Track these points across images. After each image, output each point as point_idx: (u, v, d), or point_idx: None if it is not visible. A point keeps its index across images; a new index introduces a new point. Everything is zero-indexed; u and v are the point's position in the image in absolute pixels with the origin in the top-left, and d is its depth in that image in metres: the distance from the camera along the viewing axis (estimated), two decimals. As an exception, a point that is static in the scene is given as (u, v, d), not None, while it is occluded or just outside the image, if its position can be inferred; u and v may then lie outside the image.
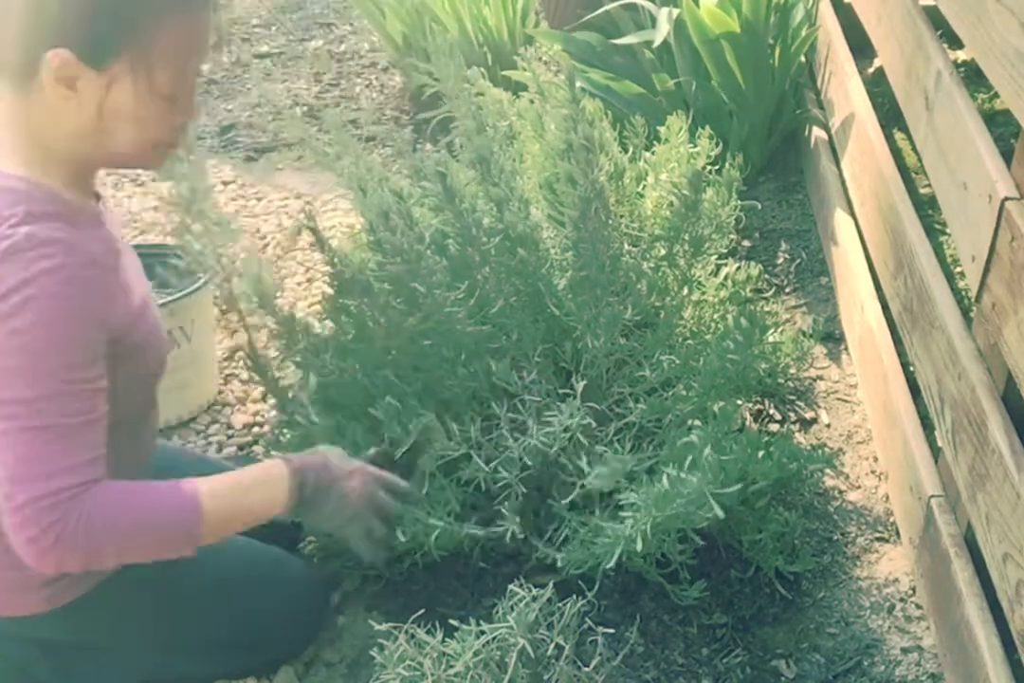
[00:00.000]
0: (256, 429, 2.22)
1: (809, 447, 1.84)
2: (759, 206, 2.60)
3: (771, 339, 2.01)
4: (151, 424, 1.51)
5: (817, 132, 2.70)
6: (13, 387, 1.17)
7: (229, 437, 2.21)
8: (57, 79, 1.19)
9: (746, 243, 2.58)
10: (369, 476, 1.46)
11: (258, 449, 2.15)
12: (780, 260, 2.54)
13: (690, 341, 1.92)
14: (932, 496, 1.65)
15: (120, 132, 1.25)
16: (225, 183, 3.24)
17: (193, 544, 1.31)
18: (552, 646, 1.34)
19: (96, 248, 1.26)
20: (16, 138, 1.26)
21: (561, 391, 1.72)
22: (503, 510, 1.63)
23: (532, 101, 2.17)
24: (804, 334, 2.09)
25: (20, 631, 1.50)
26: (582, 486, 1.62)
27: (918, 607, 1.72)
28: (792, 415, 2.11)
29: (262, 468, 1.38)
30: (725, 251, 2.13)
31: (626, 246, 1.90)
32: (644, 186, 2.09)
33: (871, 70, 2.84)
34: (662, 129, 2.11)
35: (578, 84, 2.09)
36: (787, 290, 2.46)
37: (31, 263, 1.17)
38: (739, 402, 1.89)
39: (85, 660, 1.57)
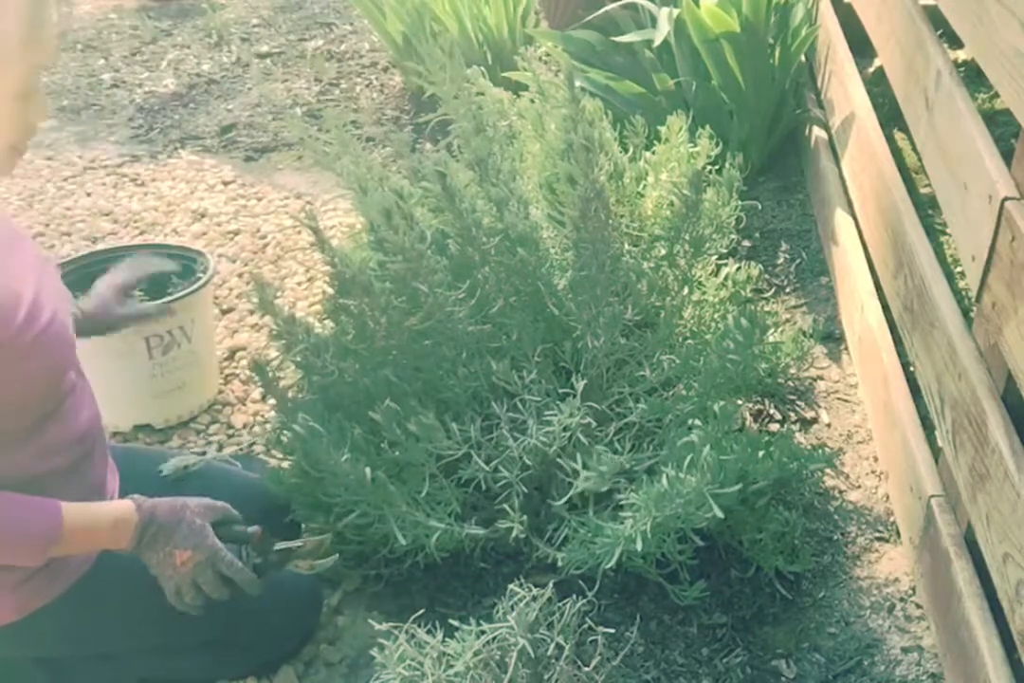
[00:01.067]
0: (256, 429, 2.22)
1: (809, 447, 1.84)
2: (759, 206, 2.60)
3: (771, 339, 2.01)
4: (71, 409, 1.44)
5: (817, 132, 2.70)
6: None
7: (229, 437, 2.21)
8: None
9: (746, 243, 2.58)
10: (203, 556, 1.40)
11: (258, 449, 2.15)
12: (780, 260, 2.54)
13: (690, 341, 1.92)
14: (932, 496, 1.65)
15: None
16: (225, 183, 3.24)
17: (42, 560, 1.34)
18: (552, 646, 1.34)
19: None
20: None
21: (561, 391, 1.72)
22: (506, 508, 1.63)
23: (532, 101, 2.17)
24: (804, 334, 2.09)
25: (6, 649, 1.48)
26: (580, 486, 1.62)
27: (918, 607, 1.72)
28: (792, 415, 2.11)
29: (118, 510, 1.39)
30: (725, 251, 2.13)
31: (626, 246, 1.89)
32: (644, 186, 2.09)
33: (871, 70, 2.85)
34: (662, 129, 2.11)
35: (578, 84, 2.09)
36: (787, 290, 2.46)
37: None
38: (739, 402, 1.89)
39: (80, 665, 1.56)
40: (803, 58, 2.83)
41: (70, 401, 1.43)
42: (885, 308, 2.04)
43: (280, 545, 1.48)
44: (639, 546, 1.48)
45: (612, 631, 1.44)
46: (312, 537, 1.53)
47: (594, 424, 1.70)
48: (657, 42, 2.57)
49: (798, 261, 2.53)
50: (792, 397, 2.15)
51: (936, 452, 1.73)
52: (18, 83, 1.21)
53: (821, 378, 2.21)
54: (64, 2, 1.22)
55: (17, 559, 1.35)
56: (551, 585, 1.38)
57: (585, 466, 1.62)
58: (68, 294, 1.51)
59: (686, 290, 1.94)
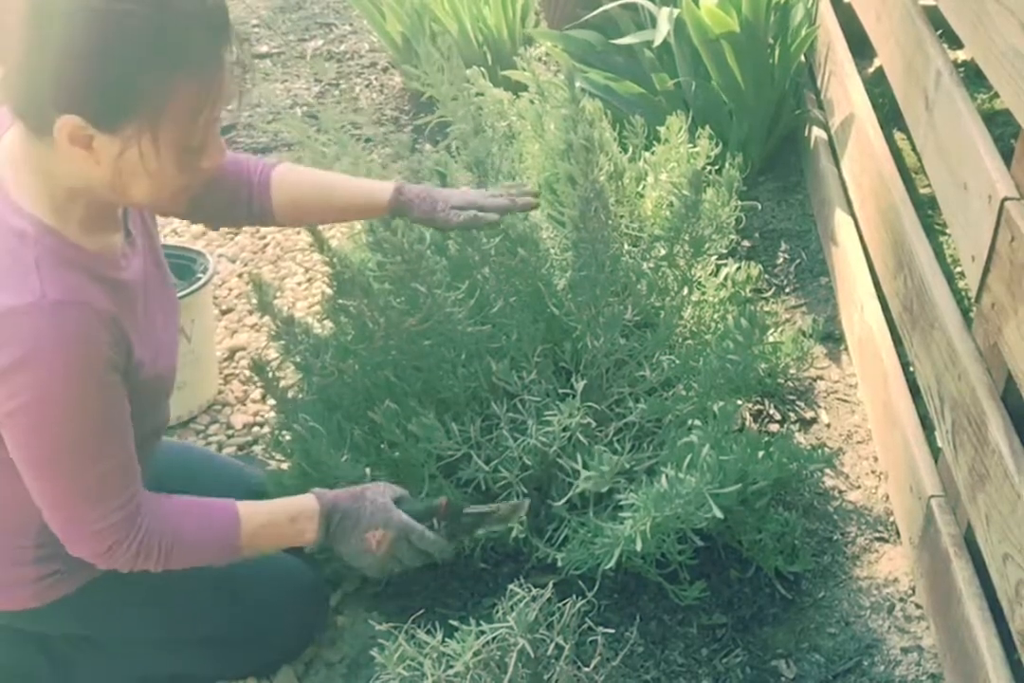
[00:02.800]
0: (256, 429, 2.22)
1: (809, 447, 1.83)
2: (759, 206, 2.60)
3: (771, 339, 2.01)
4: (161, 435, 1.56)
5: (817, 132, 2.70)
6: (55, 447, 1.24)
7: (229, 437, 2.21)
8: (71, 141, 1.16)
9: (746, 243, 2.58)
10: (395, 532, 1.44)
11: (258, 449, 2.15)
12: (780, 260, 2.54)
13: (690, 341, 1.92)
14: (932, 496, 1.65)
15: (139, 185, 1.23)
16: (225, 183, 3.23)
17: (227, 562, 1.43)
18: (552, 646, 1.34)
19: (100, 300, 1.23)
20: (33, 176, 1.23)
21: (561, 391, 1.72)
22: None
23: (532, 101, 2.17)
24: (804, 334, 2.09)
25: (15, 623, 1.51)
26: (581, 486, 1.62)
27: (918, 607, 1.72)
28: (792, 415, 2.11)
29: (296, 504, 1.45)
30: (725, 251, 2.13)
31: (626, 246, 1.89)
32: (644, 186, 2.09)
33: (871, 70, 2.84)
34: (662, 129, 2.11)
35: (578, 84, 2.09)
36: (787, 290, 2.46)
37: (34, 332, 1.17)
38: (739, 402, 1.89)
39: (84, 658, 1.58)
40: (803, 58, 2.83)
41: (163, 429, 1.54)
42: (885, 308, 2.04)
43: (471, 509, 1.51)
44: (639, 546, 1.48)
45: (612, 631, 1.44)
46: (504, 502, 1.55)
47: (594, 424, 1.70)
48: (657, 42, 2.57)
49: (798, 261, 2.53)
50: (792, 397, 2.15)
51: (936, 452, 1.73)
52: (187, 138, 1.22)
53: (821, 378, 2.21)
54: (242, 42, 1.23)
55: (204, 563, 1.41)
56: (551, 585, 1.38)
57: (585, 466, 1.62)
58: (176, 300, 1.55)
59: (686, 290, 1.94)
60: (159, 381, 1.41)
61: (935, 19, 1.87)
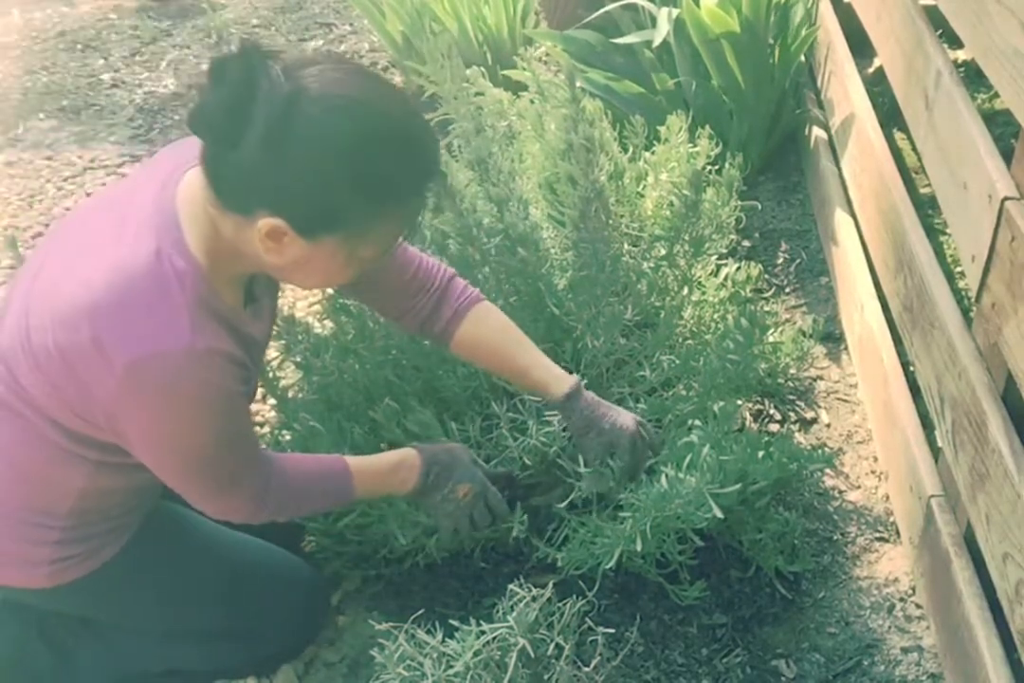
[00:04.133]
0: (256, 429, 2.22)
1: (809, 447, 1.84)
2: (759, 206, 2.60)
3: (771, 339, 2.01)
4: None
5: (817, 132, 2.70)
6: (193, 467, 1.33)
7: (229, 437, 2.21)
8: (266, 235, 1.19)
9: (746, 243, 2.58)
10: (479, 487, 1.57)
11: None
12: (780, 260, 2.54)
13: (690, 341, 1.92)
14: (932, 496, 1.65)
15: (310, 277, 1.29)
16: (225, 183, 3.23)
17: (342, 507, 1.62)
18: (552, 646, 1.34)
19: (234, 348, 1.28)
20: (207, 226, 1.24)
21: (561, 391, 1.71)
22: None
23: (532, 101, 2.17)
24: (804, 334, 2.09)
25: (23, 599, 1.52)
26: (578, 489, 1.63)
27: (918, 607, 1.72)
28: (792, 415, 2.11)
29: (399, 455, 1.55)
30: (725, 251, 2.13)
31: (626, 246, 1.90)
32: (644, 186, 2.09)
33: (871, 70, 2.84)
34: (662, 129, 2.11)
35: (578, 84, 2.09)
36: (787, 290, 2.46)
37: (184, 372, 1.22)
38: (739, 402, 1.89)
39: (86, 650, 1.59)
40: (803, 58, 2.83)
41: None
42: (885, 308, 2.04)
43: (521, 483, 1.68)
44: (639, 546, 1.48)
45: (612, 631, 1.44)
46: (499, 469, 1.67)
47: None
48: (657, 42, 2.57)
49: (798, 261, 2.53)
50: (792, 397, 2.15)
51: (936, 452, 1.73)
52: (374, 255, 1.28)
53: (821, 378, 2.20)
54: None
55: (321, 511, 1.62)
56: (551, 585, 1.38)
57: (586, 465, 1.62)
58: None
59: (686, 290, 1.94)
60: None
61: (935, 19, 1.87)
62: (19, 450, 1.34)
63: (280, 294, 1.54)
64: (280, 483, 1.43)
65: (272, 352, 1.76)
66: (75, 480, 1.35)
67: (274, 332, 1.73)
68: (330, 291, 1.82)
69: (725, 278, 2.15)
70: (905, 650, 1.66)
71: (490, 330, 1.60)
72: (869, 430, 2.07)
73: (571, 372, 1.76)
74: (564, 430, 1.65)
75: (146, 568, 1.51)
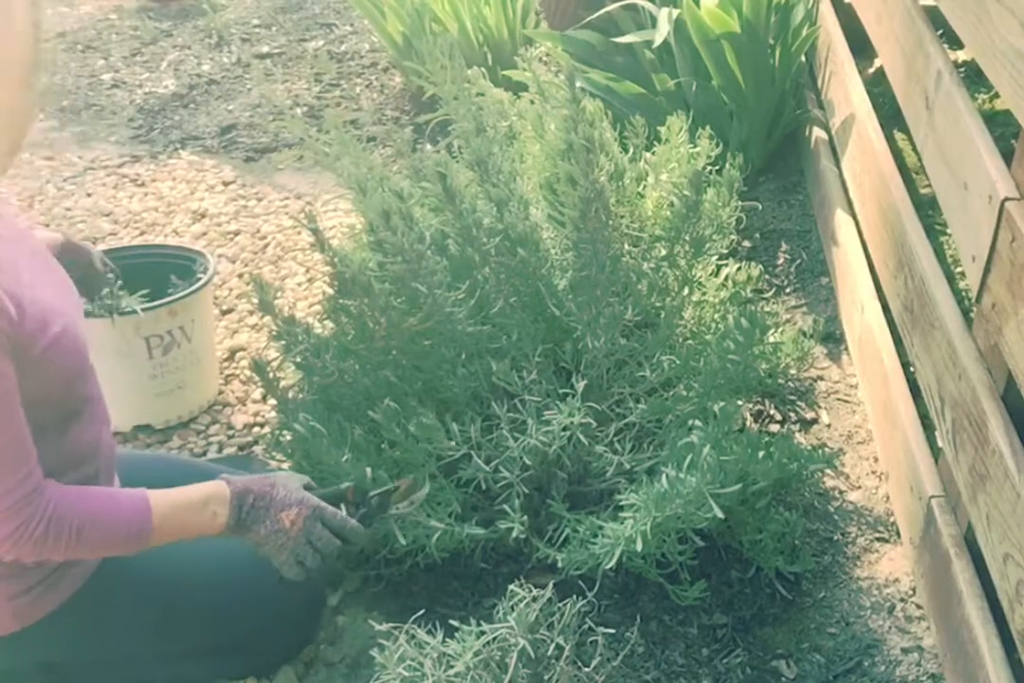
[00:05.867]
0: (256, 429, 2.22)
1: (809, 447, 1.83)
2: (759, 206, 2.60)
3: (771, 339, 2.01)
4: (89, 418, 1.45)
5: (817, 132, 2.70)
6: None
7: (229, 437, 2.21)
8: None
9: (746, 243, 2.58)
10: (309, 510, 1.44)
11: (258, 449, 2.15)
12: (780, 260, 2.54)
13: (690, 341, 1.92)
14: (932, 496, 1.65)
15: None
16: (226, 183, 3.24)
17: (137, 551, 1.37)
18: (552, 646, 1.34)
19: None
20: None
21: (561, 391, 1.72)
22: (506, 509, 1.63)
23: (532, 101, 2.17)
24: (804, 334, 2.09)
25: (5, 657, 1.47)
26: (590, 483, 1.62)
27: (918, 607, 1.72)
28: (792, 415, 2.11)
29: (207, 488, 1.42)
30: (725, 251, 2.12)
31: (626, 246, 1.89)
32: (644, 186, 2.09)
33: (871, 70, 2.84)
34: (662, 129, 2.11)
35: (578, 84, 2.09)
36: (787, 290, 2.46)
37: None
38: (739, 402, 1.89)
39: (83, 668, 1.56)
40: (803, 58, 2.83)
41: (88, 411, 1.43)
42: (885, 308, 2.04)
43: (375, 491, 1.53)
44: (639, 546, 1.48)
45: (612, 631, 1.44)
46: (402, 479, 1.58)
47: (594, 424, 1.70)
48: (657, 42, 2.57)
49: (798, 261, 2.53)
50: (792, 397, 2.15)
51: (936, 452, 1.73)
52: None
53: (821, 378, 2.21)
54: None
55: (112, 552, 1.38)
56: (551, 585, 1.38)
57: (586, 467, 1.62)
58: (78, 296, 1.49)
59: (686, 290, 1.94)
60: (61, 355, 1.31)
61: (935, 19, 1.87)
62: None
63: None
64: (53, 501, 1.28)
65: (272, 352, 1.76)
66: None
67: (274, 333, 1.73)
68: (330, 291, 1.82)
69: (725, 278, 2.15)
70: (905, 650, 1.66)
71: None
72: (869, 430, 2.07)
73: (571, 372, 1.76)
74: (564, 430, 1.65)
75: (122, 593, 1.45)
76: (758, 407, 2.11)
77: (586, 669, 1.38)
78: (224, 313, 2.59)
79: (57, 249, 1.68)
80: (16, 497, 1.25)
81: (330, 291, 1.76)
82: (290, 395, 1.79)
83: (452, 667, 1.29)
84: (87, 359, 1.40)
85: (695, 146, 2.06)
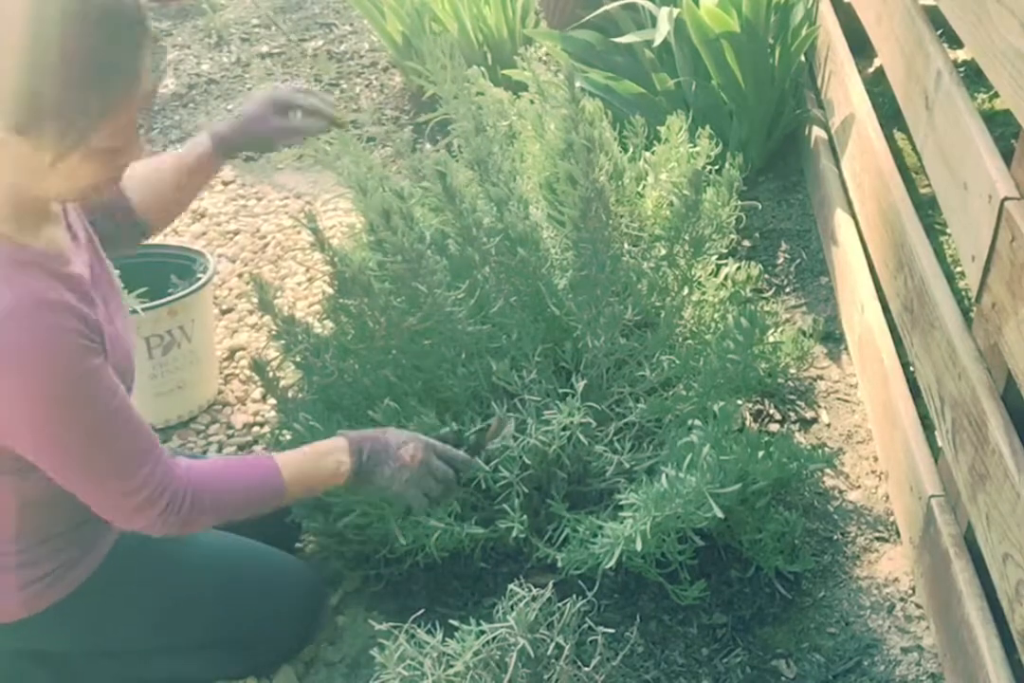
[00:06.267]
0: (256, 429, 2.22)
1: (809, 447, 1.84)
2: (759, 206, 2.60)
3: (771, 339, 2.01)
4: None
5: (817, 132, 2.70)
6: (64, 442, 1.26)
7: (229, 437, 2.21)
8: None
9: (746, 243, 2.58)
10: (422, 443, 1.53)
11: (258, 449, 2.15)
12: (780, 260, 2.54)
13: (690, 341, 1.92)
14: (932, 496, 1.65)
15: (58, 184, 1.22)
16: (225, 183, 3.24)
17: (278, 507, 1.49)
18: (552, 646, 1.34)
19: (61, 293, 1.23)
20: None
21: (561, 391, 1.72)
22: (506, 508, 1.63)
23: (532, 101, 2.17)
24: (804, 334, 2.09)
25: (6, 643, 1.49)
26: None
27: (918, 607, 1.72)
28: (792, 415, 2.11)
29: (325, 442, 1.51)
30: (725, 251, 2.12)
31: (626, 246, 1.89)
32: (644, 186, 2.09)
33: (871, 70, 2.84)
34: (662, 129, 2.11)
35: (578, 84, 2.09)
36: (787, 290, 2.46)
37: None
38: (739, 402, 1.89)
39: (82, 662, 1.57)
40: (803, 58, 2.83)
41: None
42: (885, 308, 2.04)
43: (470, 432, 1.66)
44: (639, 546, 1.48)
45: (612, 631, 1.44)
46: (494, 418, 1.66)
47: (594, 424, 1.70)
48: (657, 42, 2.57)
49: (798, 261, 2.53)
50: (792, 397, 2.15)
51: (936, 452, 1.73)
52: (109, 141, 1.21)
53: (821, 378, 2.21)
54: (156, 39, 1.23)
55: (255, 513, 1.46)
56: (551, 585, 1.38)
57: (586, 466, 1.62)
58: (124, 298, 1.56)
59: (686, 290, 1.94)
60: (120, 378, 1.36)
61: (935, 19, 1.87)
62: None
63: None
64: (190, 478, 1.35)
65: (272, 352, 1.76)
66: (7, 497, 1.33)
67: (273, 332, 1.73)
68: (330, 290, 1.82)
69: (725, 278, 2.15)
70: (905, 650, 1.66)
71: (142, 173, 1.57)
72: (869, 430, 2.07)
73: (571, 372, 1.76)
74: (564, 430, 1.65)
75: (127, 585, 1.47)
76: (758, 407, 2.11)
77: (586, 669, 1.38)
78: (224, 313, 2.59)
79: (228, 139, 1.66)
80: (154, 484, 1.31)
81: (330, 291, 1.76)
82: (290, 395, 1.79)
83: (452, 667, 1.29)
84: (134, 379, 1.45)
85: (695, 146, 2.06)
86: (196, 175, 1.66)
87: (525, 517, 1.64)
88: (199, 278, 2.16)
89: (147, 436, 1.34)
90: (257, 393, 2.30)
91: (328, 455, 1.48)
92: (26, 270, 1.22)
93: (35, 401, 1.21)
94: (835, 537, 1.86)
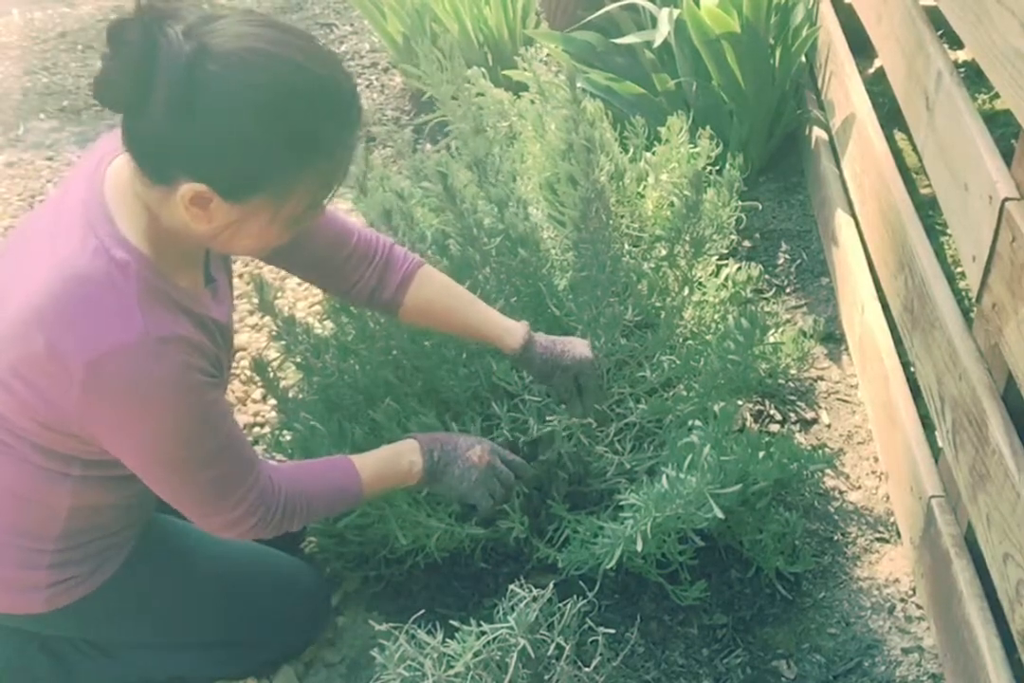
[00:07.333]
0: (256, 429, 2.22)
1: (809, 447, 1.84)
2: (759, 207, 2.60)
3: (772, 339, 2.01)
4: None
5: (817, 132, 2.70)
6: (178, 466, 1.29)
7: (229, 437, 2.21)
8: (190, 202, 1.15)
9: (747, 244, 2.58)
10: (488, 446, 1.57)
11: (258, 449, 2.14)
12: (781, 260, 2.54)
13: (691, 341, 1.92)
14: (932, 496, 1.65)
15: (242, 242, 1.25)
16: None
17: (358, 506, 1.57)
18: (553, 646, 1.34)
19: (191, 331, 1.24)
20: (138, 210, 1.22)
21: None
22: (506, 508, 1.63)
23: (533, 101, 2.17)
24: (804, 334, 2.09)
25: (20, 626, 1.51)
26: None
27: (918, 607, 1.72)
28: (793, 415, 2.11)
29: (398, 445, 1.55)
30: (726, 251, 2.13)
31: (627, 246, 1.90)
32: (645, 186, 2.09)
33: (871, 70, 2.84)
34: (662, 129, 2.11)
35: (578, 84, 2.09)
36: (788, 290, 2.46)
37: (142, 362, 1.18)
38: (739, 402, 1.89)
39: (85, 660, 1.58)
40: (803, 58, 2.83)
41: None
42: (885, 309, 2.04)
43: (524, 440, 1.70)
44: (639, 546, 1.48)
45: (612, 631, 1.44)
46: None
47: (594, 424, 1.70)
48: (657, 43, 2.57)
49: (798, 262, 2.53)
50: (792, 398, 2.15)
51: (936, 452, 1.73)
52: (305, 213, 1.24)
53: (821, 378, 2.20)
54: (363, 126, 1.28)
55: (338, 513, 1.57)
56: (551, 586, 1.38)
57: (586, 468, 1.62)
58: None
59: (686, 291, 1.94)
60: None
61: (936, 19, 1.87)
62: (1, 475, 1.32)
63: (236, 275, 1.53)
64: (281, 487, 1.39)
65: (272, 352, 1.76)
66: (62, 499, 1.34)
67: (274, 333, 1.73)
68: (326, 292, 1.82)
69: (725, 278, 2.15)
70: (906, 651, 1.66)
71: (437, 292, 1.60)
72: (869, 430, 2.07)
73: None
74: (565, 430, 1.65)
75: (142, 587, 1.49)
76: (758, 407, 2.11)
77: (586, 669, 1.38)
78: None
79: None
80: (254, 495, 1.36)
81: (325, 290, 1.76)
82: (290, 395, 1.79)
83: (452, 667, 1.29)
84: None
85: (695, 146, 2.06)
86: (478, 339, 1.65)
87: (526, 517, 1.64)
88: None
89: (248, 455, 1.36)
90: (258, 393, 2.29)
91: (401, 456, 1.52)
92: (165, 304, 1.22)
93: (155, 434, 1.23)
94: (835, 538, 1.86)
